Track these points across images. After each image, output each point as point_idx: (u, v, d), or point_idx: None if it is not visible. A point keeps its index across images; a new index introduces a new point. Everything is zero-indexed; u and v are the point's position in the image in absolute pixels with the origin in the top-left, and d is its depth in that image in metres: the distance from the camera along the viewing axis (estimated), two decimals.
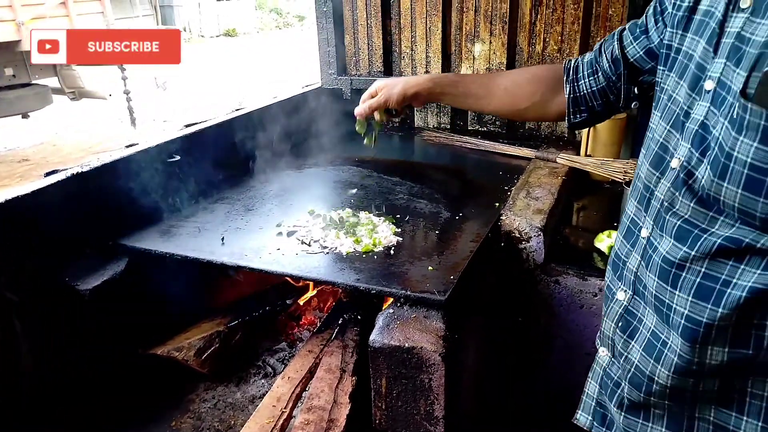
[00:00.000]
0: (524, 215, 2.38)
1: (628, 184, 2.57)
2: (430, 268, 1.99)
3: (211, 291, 2.51)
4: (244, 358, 2.44)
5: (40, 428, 1.98)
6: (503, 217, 2.39)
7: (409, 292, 1.83)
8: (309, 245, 2.18)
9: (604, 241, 2.41)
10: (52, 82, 8.46)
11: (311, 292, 2.66)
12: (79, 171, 2.18)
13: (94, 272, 2.13)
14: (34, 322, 1.97)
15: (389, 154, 3.49)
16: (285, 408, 1.84)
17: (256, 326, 2.47)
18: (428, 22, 3.20)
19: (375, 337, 1.72)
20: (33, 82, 8.13)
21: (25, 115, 8.46)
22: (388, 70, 3.42)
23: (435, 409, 1.74)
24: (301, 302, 2.63)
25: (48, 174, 2.15)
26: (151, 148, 2.45)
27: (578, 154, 3.20)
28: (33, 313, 1.96)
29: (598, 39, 2.89)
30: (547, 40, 2.97)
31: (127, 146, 2.45)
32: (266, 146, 3.03)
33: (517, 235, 2.35)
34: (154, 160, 2.43)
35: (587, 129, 3.06)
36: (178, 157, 2.52)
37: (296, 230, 2.30)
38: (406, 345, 1.68)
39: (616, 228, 2.53)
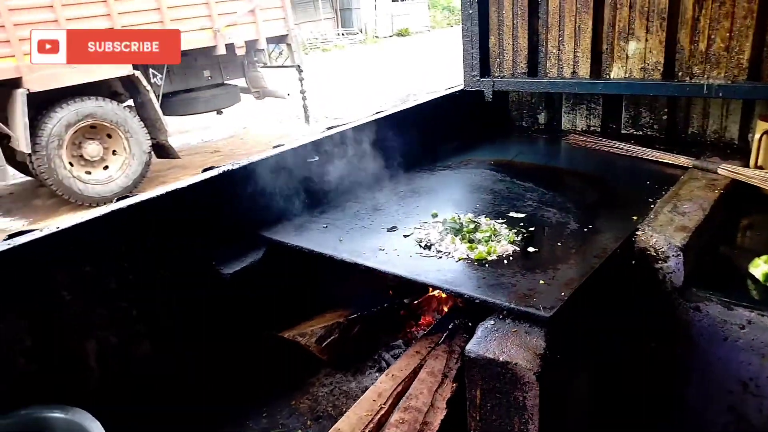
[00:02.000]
0: (664, 232, 2.17)
1: None
2: (541, 281, 1.91)
3: (337, 284, 2.68)
4: (363, 350, 2.57)
5: (173, 395, 2.29)
6: (639, 233, 2.20)
7: (512, 305, 1.78)
8: (426, 248, 2.22)
9: (760, 266, 2.10)
10: (240, 82, 9.53)
11: (431, 293, 2.70)
12: (230, 168, 2.46)
13: (236, 259, 2.40)
14: (182, 298, 2.27)
15: (528, 157, 3.38)
16: (384, 404, 1.91)
17: (375, 321, 2.58)
18: (578, 20, 3.03)
19: (471, 347, 1.72)
20: (225, 82, 9.24)
21: (219, 112, 9.64)
22: (533, 71, 3.31)
23: (530, 428, 1.68)
24: (420, 302, 2.68)
25: (205, 170, 2.46)
26: (294, 149, 2.67)
27: (746, 165, 2.81)
28: (181, 290, 2.27)
29: None
30: (713, 37, 2.64)
31: (274, 147, 2.71)
32: (401, 148, 3.13)
33: (653, 253, 2.15)
34: (295, 160, 2.65)
35: (759, 137, 2.67)
36: (317, 158, 2.72)
37: (415, 232, 2.36)
38: (500, 359, 1.64)
39: None
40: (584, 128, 3.59)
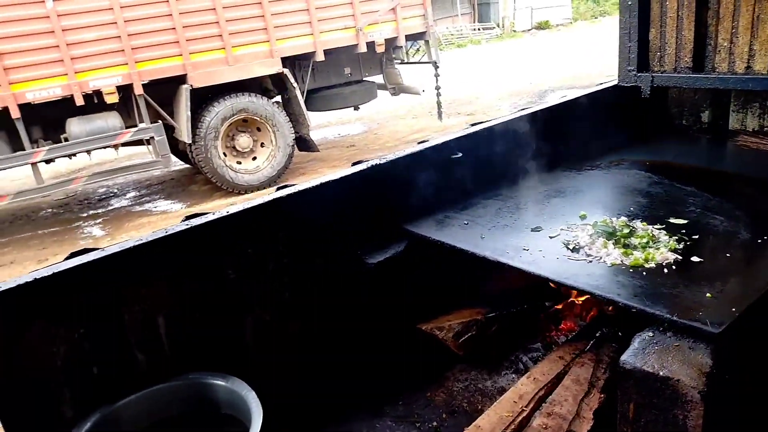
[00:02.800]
0: None
1: None
2: (708, 294, 1.76)
3: (476, 281, 2.67)
4: (498, 349, 2.53)
5: (317, 373, 2.42)
6: None
7: (675, 318, 1.66)
8: (573, 251, 2.14)
9: None
10: (378, 78, 9.78)
11: (573, 299, 2.60)
12: (377, 162, 2.54)
13: (380, 250, 2.48)
14: (329, 283, 2.39)
15: (688, 158, 3.11)
16: (526, 407, 1.87)
17: (513, 321, 2.53)
18: (757, 9, 2.73)
19: (627, 358, 1.62)
20: (363, 79, 9.54)
21: (356, 108, 9.99)
22: (699, 66, 3.03)
23: None
24: (560, 306, 2.59)
25: (354, 164, 2.57)
26: (438, 145, 2.70)
27: None
28: (329, 276, 2.39)
29: None
30: None
31: (419, 143, 2.75)
32: (550, 145, 3.03)
33: None
34: (438, 157, 2.68)
35: None
36: (460, 154, 2.72)
37: (562, 234, 2.28)
38: (661, 374, 1.54)
39: None
40: (756, 128, 3.22)
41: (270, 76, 8.04)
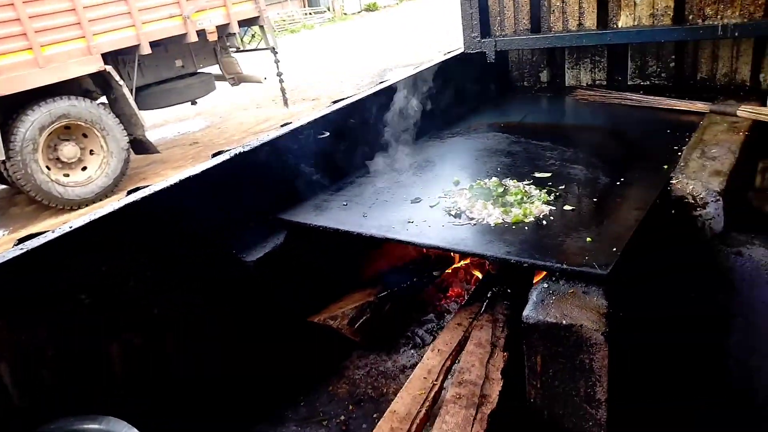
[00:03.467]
0: (699, 178, 2.10)
1: None
2: (588, 239, 1.83)
3: (361, 262, 2.58)
4: (394, 328, 2.48)
5: (206, 392, 2.19)
6: (674, 181, 2.13)
7: (565, 266, 1.70)
8: (456, 217, 2.13)
9: None
10: (214, 69, 9.22)
11: (457, 264, 2.62)
12: (241, 151, 2.32)
13: (257, 245, 2.28)
14: (205, 291, 2.15)
15: (537, 117, 3.29)
16: (436, 380, 1.83)
17: (404, 297, 2.49)
18: None
19: (529, 313, 1.63)
20: (198, 70, 8.94)
21: (193, 102, 9.34)
22: (536, 28, 3.19)
23: (597, 391, 1.61)
24: (446, 274, 2.60)
25: (215, 155, 2.32)
26: (302, 126, 2.54)
27: (764, 104, 2.75)
28: (203, 283, 2.14)
29: None
30: None
31: (282, 125, 2.57)
32: (409, 117, 3.01)
33: (691, 200, 2.08)
34: (305, 138, 2.52)
35: None
36: (327, 134, 2.59)
37: (441, 201, 2.26)
38: (564, 322, 1.57)
39: None
40: (589, 83, 3.51)
41: (90, 75, 7.17)
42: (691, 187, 2.08)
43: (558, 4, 3.04)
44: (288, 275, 2.31)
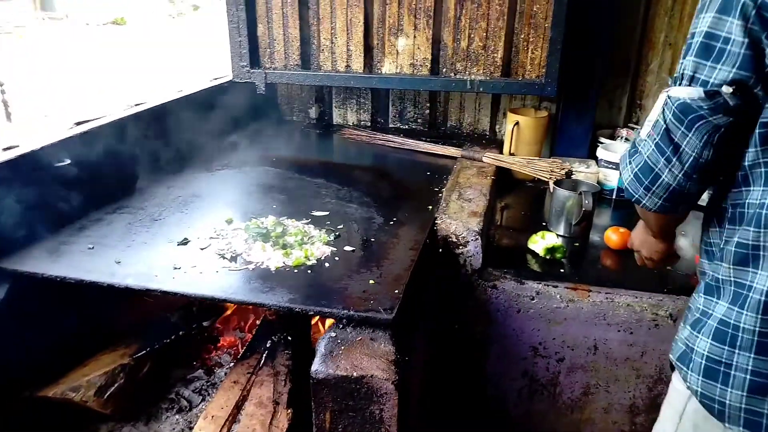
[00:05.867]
0: (460, 218, 2.27)
1: (557, 183, 2.54)
2: (371, 281, 1.81)
3: (113, 315, 2.17)
4: (155, 390, 2.13)
5: None
6: (438, 221, 2.27)
7: (352, 312, 1.64)
8: (232, 260, 1.92)
9: (538, 242, 2.35)
10: None
11: (230, 312, 2.39)
12: None
13: None
14: None
15: (308, 152, 3.27)
16: None
17: (168, 353, 2.16)
18: (349, 14, 3.00)
19: (318, 368, 1.52)
20: None
21: None
22: (306, 64, 3.18)
23: None
24: (218, 323, 2.35)
25: None
26: (35, 152, 2.06)
27: (501, 152, 3.16)
28: None
29: (522, 36, 2.84)
30: (472, 36, 2.88)
31: (5, 149, 2.05)
32: (171, 145, 2.71)
33: (454, 239, 2.23)
34: (38, 166, 2.05)
35: (511, 127, 3.02)
36: (67, 161, 2.15)
37: (213, 243, 2.03)
38: (355, 374, 1.49)
39: (546, 229, 2.49)
40: (355, 122, 3.62)
41: None
42: (453, 227, 2.23)
43: (327, 44, 3.07)
44: (12, 339, 1.81)
